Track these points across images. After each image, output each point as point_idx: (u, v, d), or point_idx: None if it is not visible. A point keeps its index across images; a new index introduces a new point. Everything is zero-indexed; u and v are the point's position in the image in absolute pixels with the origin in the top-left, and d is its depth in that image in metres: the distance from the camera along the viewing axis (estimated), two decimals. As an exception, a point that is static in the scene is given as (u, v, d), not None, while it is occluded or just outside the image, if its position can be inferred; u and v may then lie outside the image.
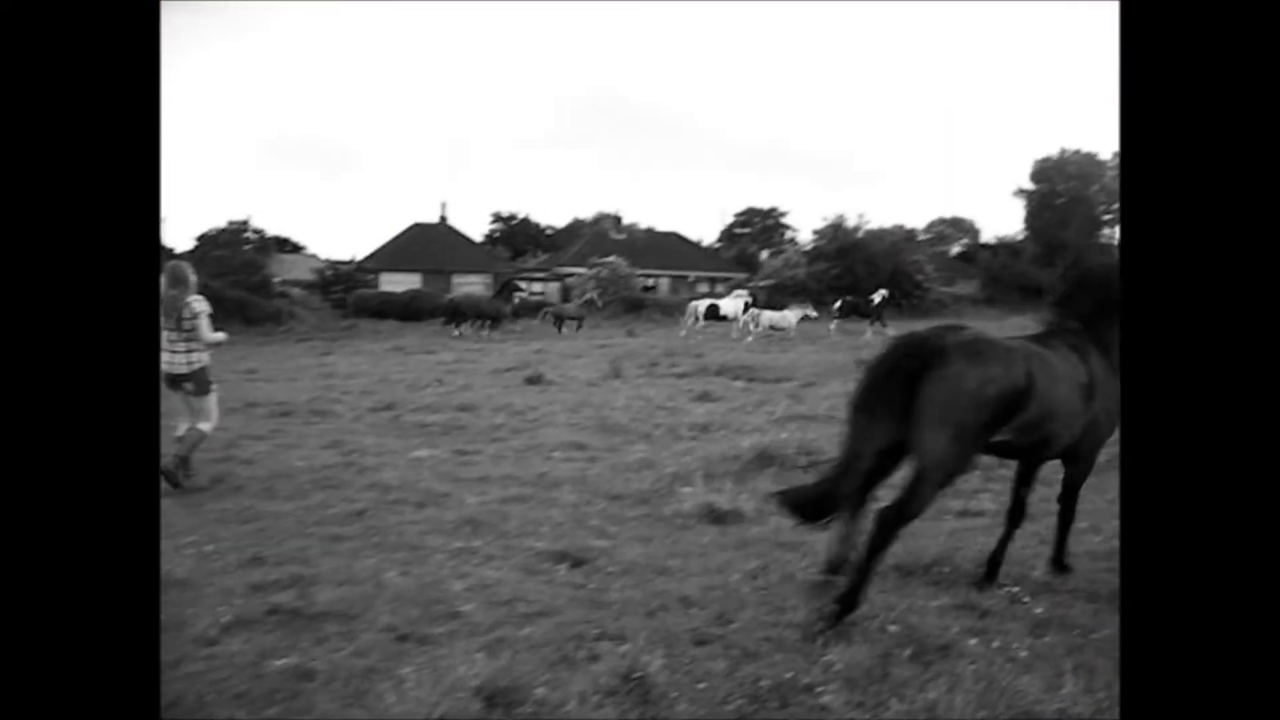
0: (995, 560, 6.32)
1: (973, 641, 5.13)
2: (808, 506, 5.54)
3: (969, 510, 8.22)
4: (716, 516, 7.87)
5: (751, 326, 33.07)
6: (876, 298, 39.66)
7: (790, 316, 33.53)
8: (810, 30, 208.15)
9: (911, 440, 5.26)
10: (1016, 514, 6.45)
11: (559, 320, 37.84)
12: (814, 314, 35.63)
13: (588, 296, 43.69)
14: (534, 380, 18.43)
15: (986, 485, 9.12)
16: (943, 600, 5.87)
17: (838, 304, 39.14)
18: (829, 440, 10.99)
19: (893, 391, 5.25)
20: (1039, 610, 5.68)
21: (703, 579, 6.39)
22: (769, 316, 33.22)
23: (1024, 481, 6.51)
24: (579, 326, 37.93)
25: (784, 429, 12.28)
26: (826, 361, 22.58)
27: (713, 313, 36.22)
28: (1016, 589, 6.05)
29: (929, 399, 5.13)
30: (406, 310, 44.07)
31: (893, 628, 5.32)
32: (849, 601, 5.39)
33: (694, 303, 37.90)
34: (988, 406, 5.17)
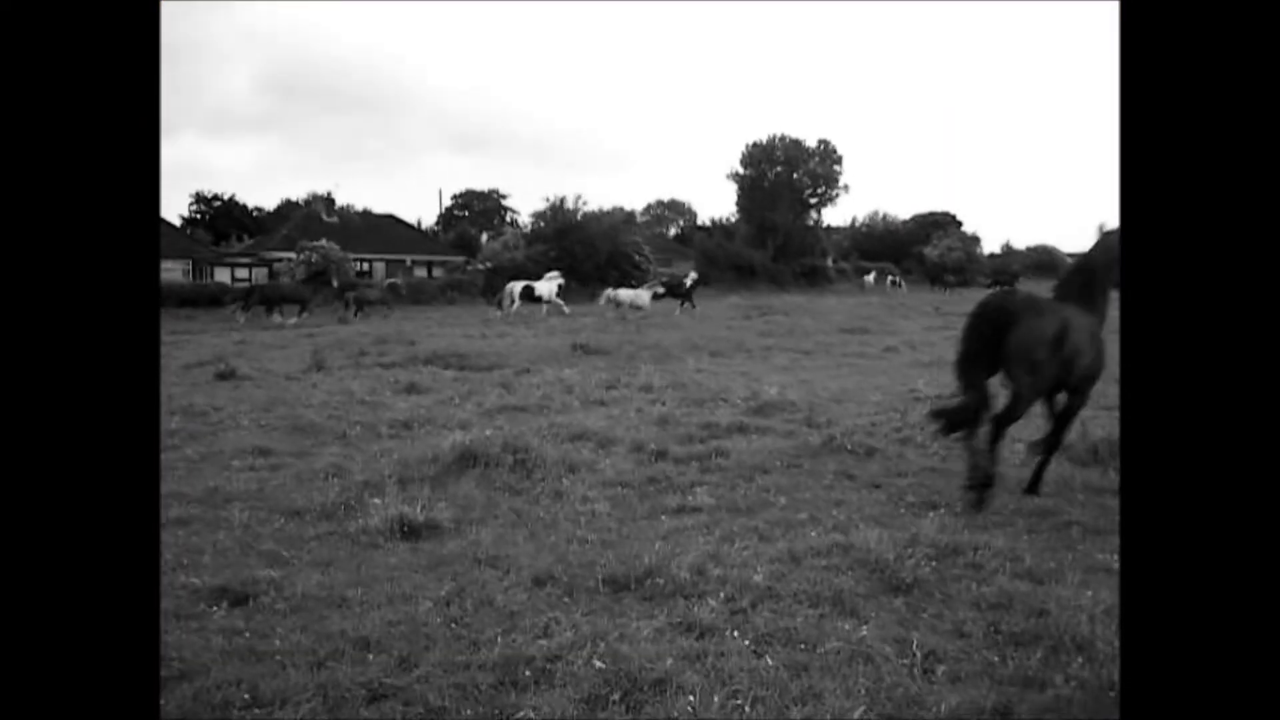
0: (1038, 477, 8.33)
1: (690, 673, 4.53)
2: (955, 419, 7.76)
3: (686, 506, 7.74)
4: (409, 530, 6.96)
5: (565, 310, 35.07)
6: (688, 280, 40.76)
7: (644, 295, 35.29)
8: (538, 12, 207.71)
9: (1007, 374, 7.73)
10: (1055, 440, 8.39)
11: (359, 305, 36.63)
12: (661, 291, 37.42)
13: (390, 281, 42.80)
14: (225, 375, 16.66)
15: (703, 478, 8.71)
16: (658, 620, 5.26)
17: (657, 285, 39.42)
18: (539, 434, 10.31)
19: (987, 341, 7.68)
20: (760, 622, 5.17)
21: (387, 611, 5.49)
22: (625, 295, 35.07)
23: (1051, 410, 8.49)
24: (386, 315, 36.59)
25: (493, 422, 11.52)
26: (543, 347, 21.95)
27: (528, 294, 36.28)
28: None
29: (1012, 344, 7.54)
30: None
31: (599, 663, 4.63)
32: (989, 480, 7.63)
33: (510, 284, 37.55)
34: (1047, 344, 7.52)
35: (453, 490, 8.15)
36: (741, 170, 78.57)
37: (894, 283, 69.53)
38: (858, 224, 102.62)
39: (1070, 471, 8.85)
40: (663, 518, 7.44)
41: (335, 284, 40.30)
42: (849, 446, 9.82)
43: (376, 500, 7.57)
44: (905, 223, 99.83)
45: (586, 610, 5.51)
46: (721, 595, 5.59)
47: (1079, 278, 8.44)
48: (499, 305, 36.50)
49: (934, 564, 6.06)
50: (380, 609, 5.56)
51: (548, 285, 37.11)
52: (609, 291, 36.70)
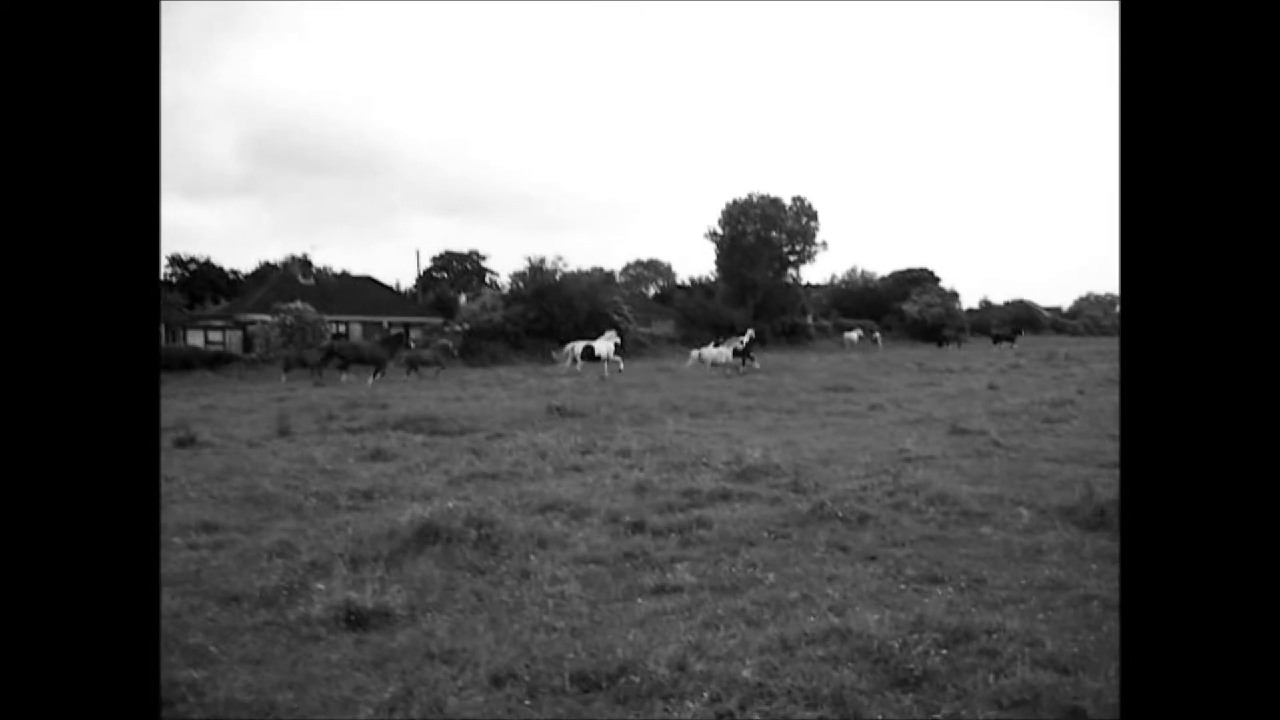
0: None
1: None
2: None
3: (665, 585, 7.01)
4: (356, 619, 6.21)
5: (620, 368, 36.81)
6: (745, 338, 40.25)
7: (726, 352, 37.03)
8: (518, 73, 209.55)
9: None
10: None
11: (411, 365, 37.92)
12: (741, 347, 38.24)
13: (442, 342, 43.32)
14: (184, 443, 15.86)
15: (683, 552, 7.98)
16: (629, 728, 4.55)
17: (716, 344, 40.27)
18: (508, 505, 9.60)
19: None
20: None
21: (320, 720, 4.78)
22: (709, 353, 37.09)
23: None
24: (437, 374, 37.71)
25: (460, 491, 10.80)
26: (519, 409, 21.25)
27: (588, 353, 38.34)
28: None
29: None
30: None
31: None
32: None
33: (571, 344, 39.88)
34: None
35: (409, 570, 7.41)
36: (720, 229, 78.47)
37: (875, 339, 69.50)
38: (837, 281, 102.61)
39: (1078, 537, 8.20)
40: (639, 600, 6.72)
41: (411, 345, 41.68)
42: (840, 514, 9.12)
43: (321, 585, 6.82)
44: (884, 279, 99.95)
45: (550, 715, 4.80)
46: (705, 695, 4.89)
47: None
48: (563, 361, 38.82)
49: (944, 651, 5.37)
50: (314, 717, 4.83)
51: (605, 344, 38.63)
52: (695, 352, 38.66)
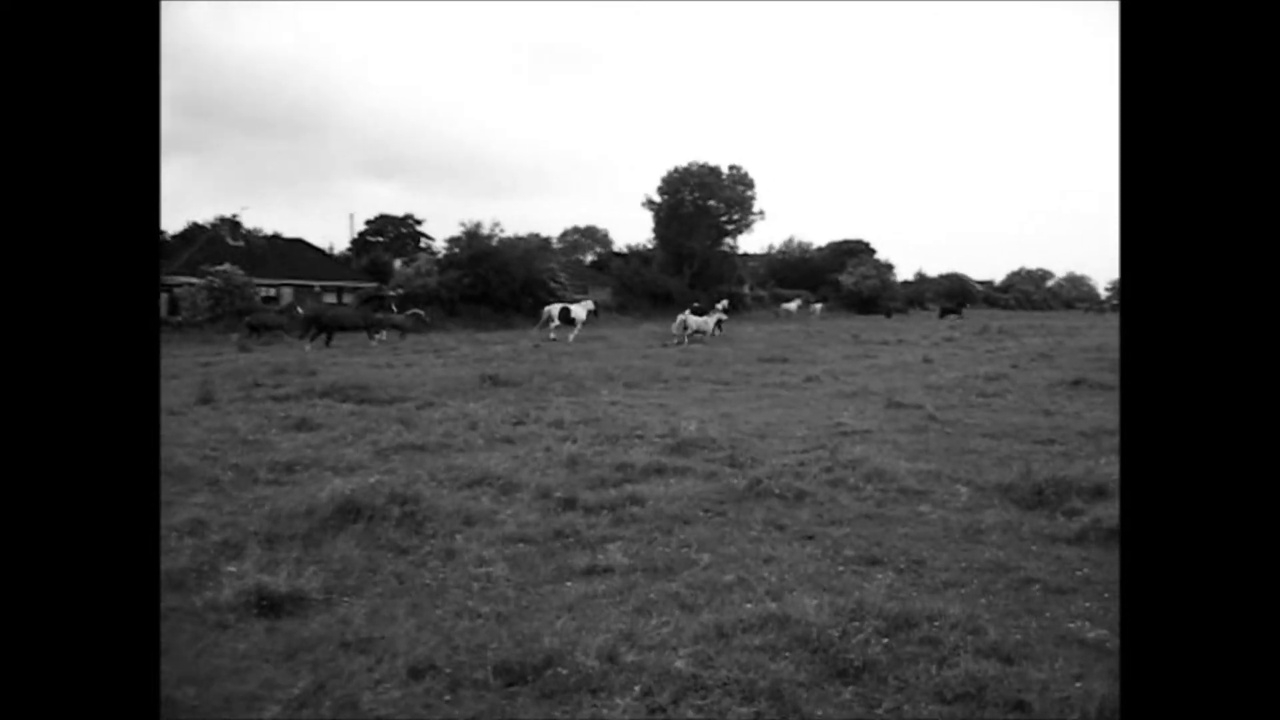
0: None
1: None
2: None
3: (596, 566, 6.74)
4: (268, 605, 5.83)
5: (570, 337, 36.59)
6: (722, 307, 41.02)
7: (709, 321, 38.30)
8: (456, 36, 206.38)
9: None
10: None
11: (395, 328, 37.86)
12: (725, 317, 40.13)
13: (414, 311, 42.77)
14: (98, 410, 15.21)
15: (616, 531, 7.71)
16: (555, 729, 4.27)
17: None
18: (435, 479, 9.26)
19: None
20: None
21: None
22: (694, 321, 37.22)
23: None
24: (402, 337, 37.27)
25: (386, 464, 10.43)
26: (452, 377, 20.78)
27: (565, 315, 38.78)
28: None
29: None
30: None
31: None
32: None
33: (548, 307, 40.23)
34: None
35: (328, 551, 7.03)
36: (658, 198, 78.06)
37: (814, 310, 69.87)
38: (773, 251, 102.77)
39: (1016, 516, 8.09)
40: (569, 583, 6.44)
41: (394, 308, 40.76)
42: (776, 490, 8.90)
43: (232, 568, 6.44)
44: (820, 250, 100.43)
45: (471, 712, 4.51)
46: (637, 689, 4.64)
47: None
48: (543, 325, 39.26)
49: (885, 640, 5.17)
50: (215, 715, 4.49)
51: (581, 309, 39.76)
52: (681, 316, 38.24)
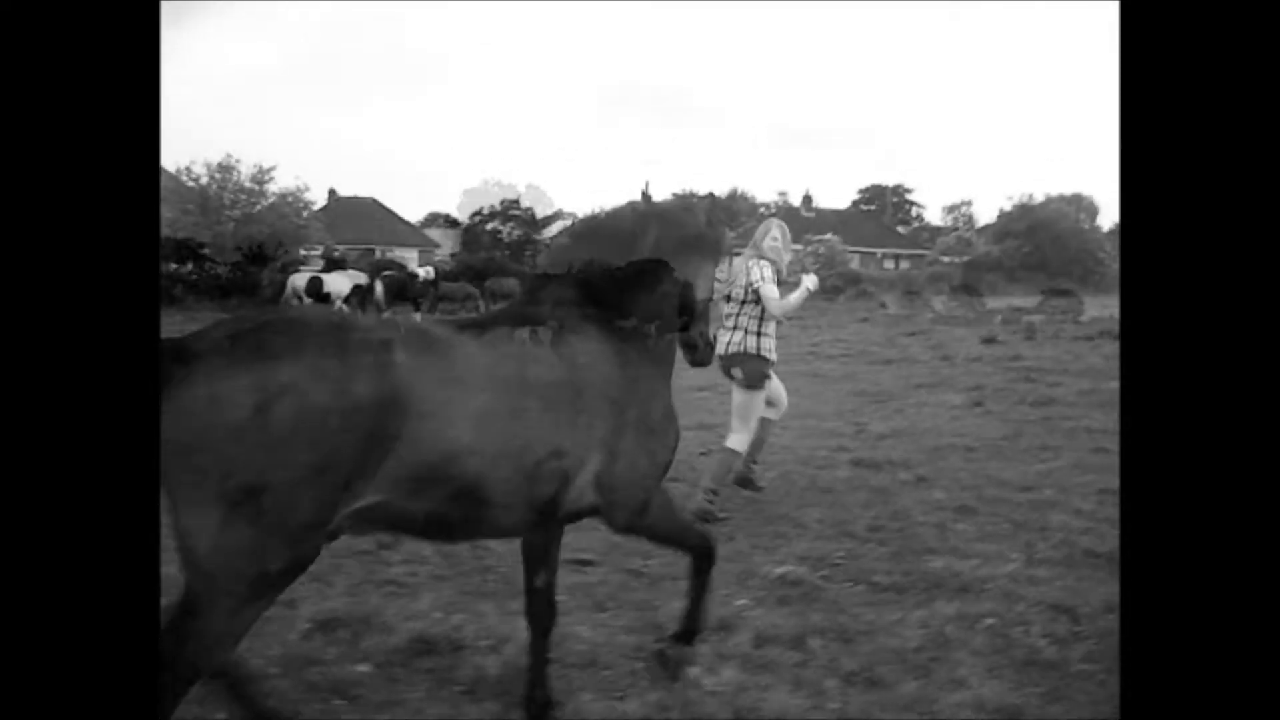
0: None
1: None
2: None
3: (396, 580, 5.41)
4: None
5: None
6: (422, 273, 30.69)
7: None
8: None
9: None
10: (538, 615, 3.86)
11: None
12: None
13: None
14: None
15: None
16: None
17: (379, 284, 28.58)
18: None
19: None
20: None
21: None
22: None
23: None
24: None
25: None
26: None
27: (315, 290, 26.69)
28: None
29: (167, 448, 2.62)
30: None
31: None
32: None
33: (292, 276, 28.49)
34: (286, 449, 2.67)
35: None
36: None
37: None
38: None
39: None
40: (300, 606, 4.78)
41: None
42: None
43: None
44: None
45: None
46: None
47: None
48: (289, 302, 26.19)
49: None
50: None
51: (341, 281, 27.78)
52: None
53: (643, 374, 3.58)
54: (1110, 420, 10.31)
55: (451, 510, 3.06)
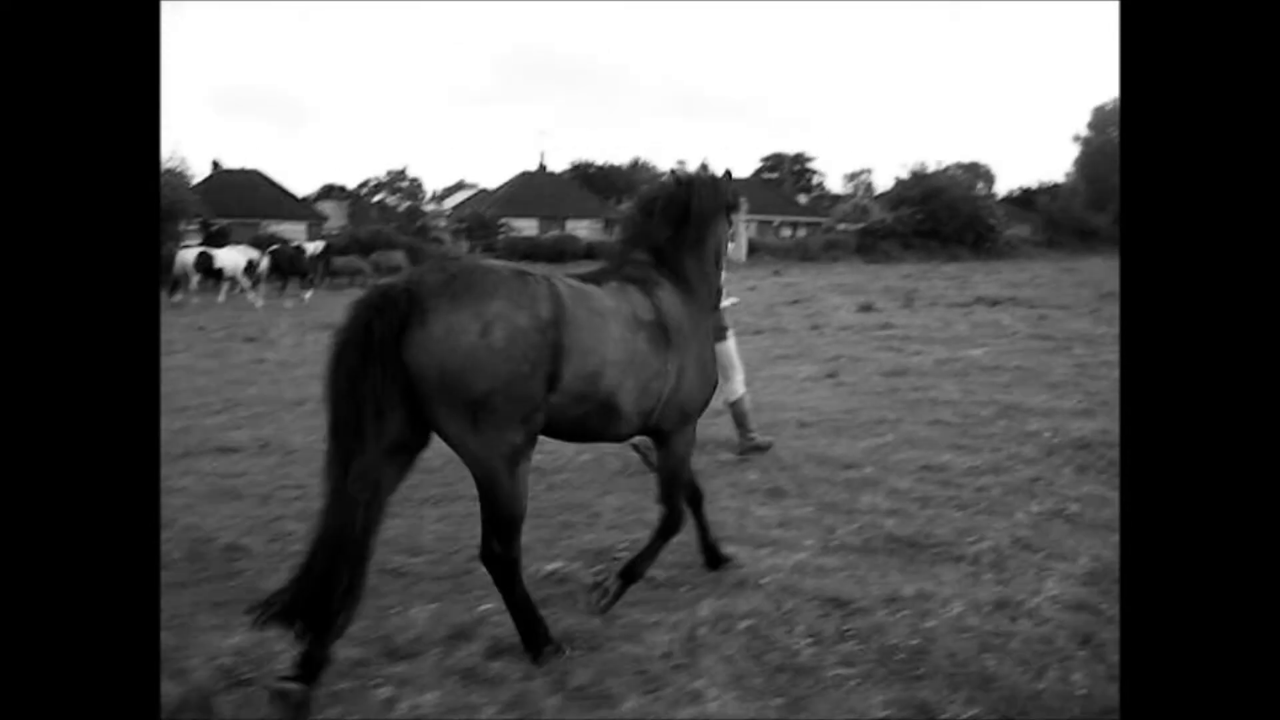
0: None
1: None
2: (290, 613, 3.47)
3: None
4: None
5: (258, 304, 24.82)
6: (310, 247, 30.33)
7: None
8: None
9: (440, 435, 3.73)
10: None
11: None
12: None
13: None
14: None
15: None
16: None
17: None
18: None
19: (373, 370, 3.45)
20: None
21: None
22: None
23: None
24: None
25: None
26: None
27: (205, 266, 26.17)
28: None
29: (420, 372, 3.49)
30: (551, 253, 44.36)
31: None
32: None
33: (180, 252, 27.04)
34: (505, 360, 3.53)
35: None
36: (1087, 133, 74.09)
37: None
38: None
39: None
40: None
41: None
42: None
43: None
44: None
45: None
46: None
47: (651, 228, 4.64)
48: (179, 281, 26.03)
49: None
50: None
51: (233, 256, 27.18)
52: None
53: (701, 320, 4.61)
54: (957, 390, 10.10)
55: (594, 417, 4.02)
